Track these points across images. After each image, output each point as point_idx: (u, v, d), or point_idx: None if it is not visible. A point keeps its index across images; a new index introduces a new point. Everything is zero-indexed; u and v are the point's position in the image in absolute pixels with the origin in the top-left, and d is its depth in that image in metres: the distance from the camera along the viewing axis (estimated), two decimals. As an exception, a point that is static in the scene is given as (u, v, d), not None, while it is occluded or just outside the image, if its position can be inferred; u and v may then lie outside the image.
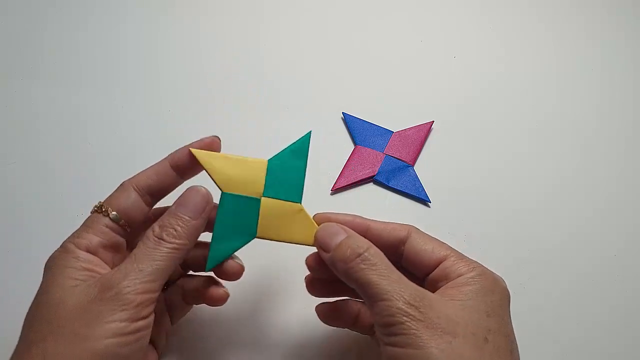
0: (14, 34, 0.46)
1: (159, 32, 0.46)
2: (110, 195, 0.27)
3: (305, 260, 0.29)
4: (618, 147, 0.42)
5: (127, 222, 0.27)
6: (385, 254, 0.25)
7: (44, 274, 0.25)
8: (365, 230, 0.28)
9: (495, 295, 0.25)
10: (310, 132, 0.29)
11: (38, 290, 0.25)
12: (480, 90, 0.45)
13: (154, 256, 0.24)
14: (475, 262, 0.27)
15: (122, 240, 0.27)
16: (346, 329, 0.30)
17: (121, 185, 0.28)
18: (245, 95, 0.43)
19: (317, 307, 0.29)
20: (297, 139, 0.29)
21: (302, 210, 0.29)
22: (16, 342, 0.24)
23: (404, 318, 0.23)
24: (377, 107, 0.43)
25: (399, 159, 0.40)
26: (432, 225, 0.36)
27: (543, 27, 0.49)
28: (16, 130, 0.40)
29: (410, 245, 0.27)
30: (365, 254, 0.25)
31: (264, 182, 0.28)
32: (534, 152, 0.41)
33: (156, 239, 0.25)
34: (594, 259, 0.37)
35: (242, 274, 0.28)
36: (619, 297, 0.35)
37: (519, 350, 0.25)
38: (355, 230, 0.27)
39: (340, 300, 0.29)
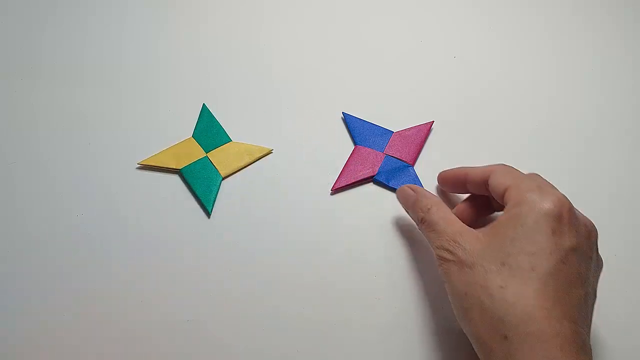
0: (14, 34, 0.46)
1: (159, 32, 0.46)
2: None
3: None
4: (618, 147, 0.42)
5: None
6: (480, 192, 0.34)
7: None
8: (464, 177, 0.34)
9: (528, 219, 0.27)
10: (204, 104, 0.42)
11: None
12: (480, 90, 0.45)
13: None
14: (531, 185, 0.29)
15: None
16: None
17: None
18: (246, 94, 0.43)
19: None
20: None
21: (234, 143, 0.40)
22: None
23: (441, 261, 0.29)
24: (377, 106, 0.43)
25: (399, 159, 0.39)
26: None
27: (543, 27, 0.49)
28: (16, 130, 0.40)
29: (490, 183, 0.31)
30: (426, 216, 0.32)
31: (200, 146, 0.39)
32: (534, 152, 0.41)
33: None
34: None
35: None
36: (619, 298, 0.35)
37: None
38: (456, 178, 0.35)
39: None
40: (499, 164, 0.33)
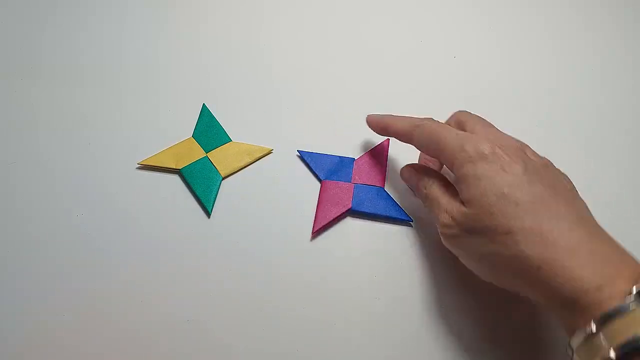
0: (14, 34, 0.46)
1: (159, 32, 0.46)
2: None
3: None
4: (619, 147, 0.42)
5: None
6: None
7: None
8: (385, 127, 0.37)
9: (478, 172, 0.29)
10: (204, 104, 0.42)
11: None
12: (480, 90, 0.45)
13: None
14: (453, 145, 0.31)
15: None
16: None
17: None
18: (246, 94, 0.43)
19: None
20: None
21: (234, 143, 0.40)
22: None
23: (441, 237, 0.32)
24: (376, 106, 0.43)
25: (368, 185, 0.38)
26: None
27: (543, 27, 0.49)
28: (16, 130, 0.40)
29: (416, 146, 0.35)
30: (427, 192, 0.33)
31: (200, 146, 0.40)
32: (534, 152, 0.41)
33: None
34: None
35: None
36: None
37: None
38: (377, 125, 0.37)
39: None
40: (421, 120, 0.34)
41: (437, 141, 0.32)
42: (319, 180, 0.39)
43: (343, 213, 0.37)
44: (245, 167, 0.39)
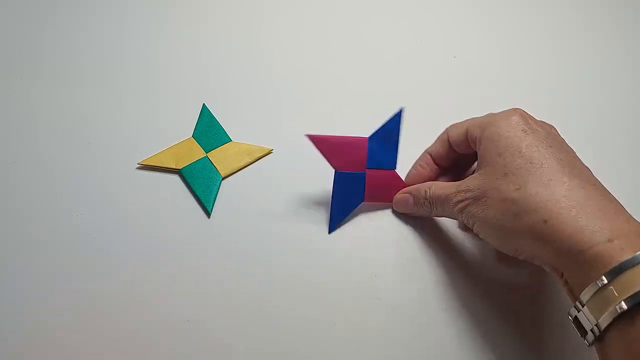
0: (14, 34, 0.46)
1: (159, 32, 0.46)
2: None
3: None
4: (619, 147, 0.42)
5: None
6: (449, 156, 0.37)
7: None
8: (430, 160, 0.38)
9: (501, 133, 0.30)
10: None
11: None
12: (480, 90, 0.45)
13: None
14: (482, 118, 0.33)
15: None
16: None
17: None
18: (246, 94, 0.43)
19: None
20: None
21: (234, 143, 0.40)
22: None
23: (462, 211, 0.31)
24: (376, 106, 0.43)
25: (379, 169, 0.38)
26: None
27: (543, 27, 0.49)
28: (16, 130, 0.40)
29: (451, 141, 0.36)
30: (430, 198, 0.34)
31: (200, 146, 0.40)
32: (534, 152, 0.41)
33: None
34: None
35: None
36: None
37: None
38: (426, 178, 0.37)
39: None
40: (446, 129, 0.37)
41: (469, 119, 0.34)
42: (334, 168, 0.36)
43: (398, 176, 0.38)
44: (245, 167, 0.39)
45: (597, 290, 0.24)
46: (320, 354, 0.33)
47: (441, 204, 0.33)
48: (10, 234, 0.36)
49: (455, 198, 0.32)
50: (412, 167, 0.39)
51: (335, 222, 0.37)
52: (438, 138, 0.38)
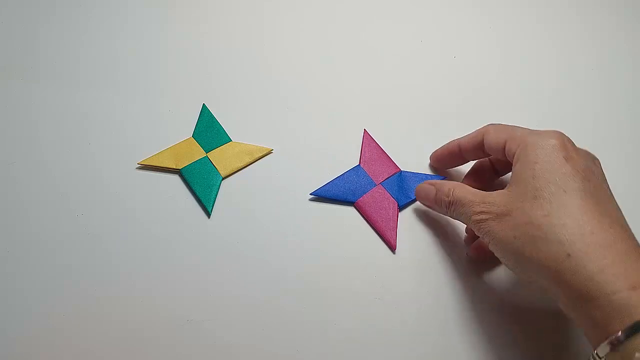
0: (14, 34, 0.46)
1: (159, 32, 0.46)
2: None
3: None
4: (619, 147, 0.42)
5: None
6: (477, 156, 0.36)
7: None
8: (457, 147, 0.37)
9: (540, 156, 0.29)
10: (204, 104, 0.42)
11: None
12: (480, 90, 0.45)
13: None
14: (526, 132, 0.32)
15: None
16: None
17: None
18: (246, 94, 0.43)
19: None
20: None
21: (234, 143, 0.40)
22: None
23: (480, 225, 0.30)
24: (376, 106, 0.43)
25: (390, 177, 0.39)
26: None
27: (543, 27, 0.49)
28: (16, 130, 0.40)
29: (486, 144, 0.34)
30: (451, 198, 0.33)
31: (200, 146, 0.40)
32: (534, 152, 0.41)
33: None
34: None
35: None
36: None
37: None
38: (450, 152, 0.37)
39: None
40: (486, 125, 0.35)
41: (510, 129, 0.33)
42: (351, 203, 0.38)
43: (396, 210, 0.38)
44: (245, 167, 0.39)
45: (616, 346, 0.24)
46: (320, 354, 0.33)
47: (461, 207, 0.32)
48: (10, 234, 0.36)
49: (478, 208, 0.31)
50: (440, 148, 0.39)
51: (321, 191, 0.38)
52: (474, 133, 0.36)
